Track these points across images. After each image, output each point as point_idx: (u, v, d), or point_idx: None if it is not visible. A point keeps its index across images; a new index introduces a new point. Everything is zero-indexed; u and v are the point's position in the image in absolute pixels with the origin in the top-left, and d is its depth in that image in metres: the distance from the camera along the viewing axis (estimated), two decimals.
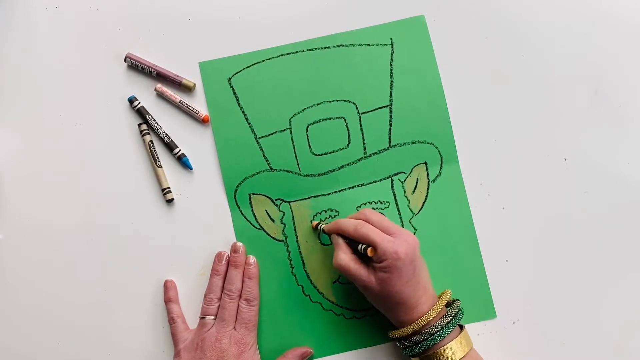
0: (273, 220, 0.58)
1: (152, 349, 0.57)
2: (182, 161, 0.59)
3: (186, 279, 0.58)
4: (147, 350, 0.57)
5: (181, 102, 0.59)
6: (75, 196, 0.59)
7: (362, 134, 0.59)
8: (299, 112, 0.59)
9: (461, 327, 0.52)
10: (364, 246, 0.50)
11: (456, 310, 0.50)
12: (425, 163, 0.59)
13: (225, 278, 0.56)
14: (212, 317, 0.55)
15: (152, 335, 0.57)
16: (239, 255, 0.57)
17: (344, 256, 0.51)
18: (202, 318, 0.55)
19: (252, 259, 0.57)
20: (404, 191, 0.59)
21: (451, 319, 0.49)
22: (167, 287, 0.57)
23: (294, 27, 0.60)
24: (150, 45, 0.60)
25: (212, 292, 0.55)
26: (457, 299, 0.52)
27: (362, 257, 0.51)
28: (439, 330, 0.48)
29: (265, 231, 0.58)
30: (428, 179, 0.59)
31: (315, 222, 0.58)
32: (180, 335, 0.55)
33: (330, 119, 0.59)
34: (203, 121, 0.59)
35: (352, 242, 0.52)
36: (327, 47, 0.60)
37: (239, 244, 0.57)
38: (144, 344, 0.57)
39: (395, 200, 0.58)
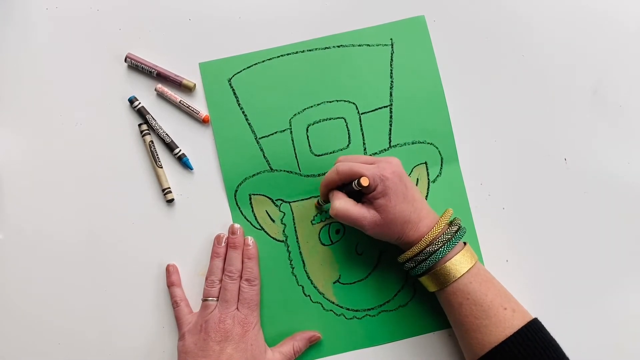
0: (273, 221, 0.58)
1: (156, 333, 0.57)
2: (183, 161, 0.59)
3: (186, 279, 0.58)
4: (151, 334, 0.57)
5: (181, 102, 0.59)
6: (75, 196, 0.59)
7: (363, 134, 0.59)
8: (299, 113, 0.59)
9: (465, 243, 0.52)
10: (356, 182, 0.50)
11: (457, 227, 0.51)
12: (426, 163, 0.59)
13: (225, 260, 0.56)
14: (215, 298, 0.55)
15: (155, 323, 0.57)
16: (237, 237, 0.57)
17: (341, 201, 0.51)
18: (204, 300, 0.55)
19: (250, 239, 0.57)
20: None
21: (454, 234, 0.50)
22: (170, 271, 0.57)
23: (294, 28, 0.60)
24: (151, 46, 0.60)
25: (213, 274, 0.56)
26: (458, 217, 0.53)
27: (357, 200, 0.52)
28: (442, 246, 0.49)
29: (265, 231, 0.58)
30: (428, 179, 0.59)
31: (316, 202, 0.58)
32: (184, 319, 0.55)
33: (330, 119, 0.59)
34: (203, 121, 0.59)
35: (346, 188, 0.52)
36: (327, 48, 0.60)
37: (237, 225, 0.57)
38: (147, 331, 0.57)
39: None
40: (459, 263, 0.50)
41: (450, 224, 0.52)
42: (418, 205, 0.51)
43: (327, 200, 0.55)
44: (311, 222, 0.58)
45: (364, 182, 0.49)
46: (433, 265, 0.50)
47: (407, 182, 0.51)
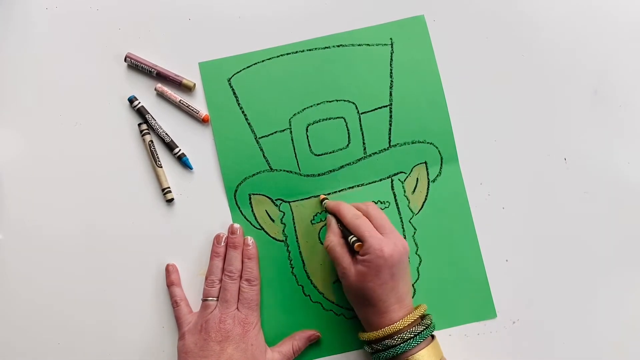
0: (273, 220, 0.58)
1: (156, 333, 0.57)
2: (182, 161, 0.59)
3: (185, 278, 0.58)
4: (151, 334, 0.57)
5: (181, 102, 0.59)
6: (75, 196, 0.59)
7: (362, 134, 0.59)
8: (298, 112, 0.59)
9: (432, 337, 0.51)
10: (354, 239, 0.50)
11: (429, 322, 0.50)
12: (425, 163, 0.59)
13: (225, 260, 0.56)
14: (215, 298, 0.55)
15: (155, 323, 0.57)
16: (237, 237, 0.57)
17: (334, 238, 0.52)
18: (204, 300, 0.55)
19: (250, 239, 0.57)
20: (404, 191, 0.59)
21: (425, 329, 0.49)
22: (169, 271, 0.57)
23: (294, 27, 0.60)
24: (150, 45, 0.60)
25: (212, 274, 0.56)
26: (430, 314, 0.52)
27: (350, 247, 0.51)
28: (412, 337, 0.48)
29: (265, 231, 0.58)
30: (428, 178, 0.59)
31: (322, 196, 0.58)
32: (184, 318, 0.55)
33: (330, 119, 0.59)
34: (203, 121, 0.59)
35: (345, 230, 0.53)
36: (327, 47, 0.60)
37: (236, 225, 0.57)
38: (147, 331, 0.57)
39: (395, 200, 0.58)
40: (424, 358, 0.48)
41: (423, 318, 0.51)
42: (392, 298, 0.49)
43: (326, 211, 0.56)
44: (311, 221, 0.58)
45: (357, 247, 0.50)
46: (396, 356, 0.49)
47: (398, 272, 0.50)
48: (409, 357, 0.49)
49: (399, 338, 0.48)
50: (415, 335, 0.49)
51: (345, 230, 0.52)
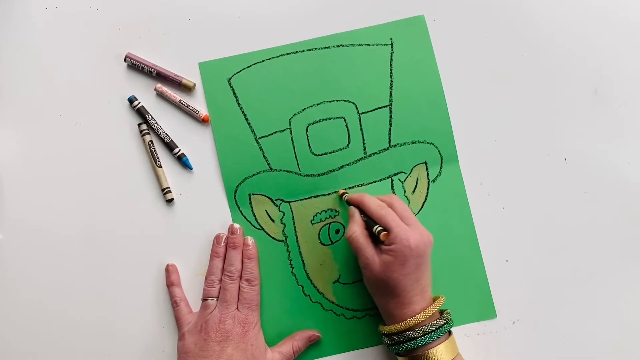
0: (273, 221, 0.58)
1: (156, 333, 0.57)
2: (182, 161, 0.59)
3: (185, 278, 0.58)
4: (151, 334, 0.57)
5: (181, 102, 0.59)
6: (75, 196, 0.59)
7: (362, 134, 0.59)
8: (298, 112, 0.59)
9: (449, 332, 0.51)
10: (379, 229, 0.50)
11: (449, 316, 0.51)
12: (425, 163, 0.59)
13: (224, 260, 0.56)
14: (214, 298, 0.55)
15: (155, 323, 0.57)
16: (237, 237, 0.57)
17: (357, 229, 0.52)
18: (204, 300, 0.55)
19: (250, 239, 0.57)
20: (404, 191, 0.59)
21: (445, 322, 0.50)
22: (169, 271, 0.57)
23: (294, 27, 0.60)
24: (150, 45, 0.60)
25: (212, 274, 0.56)
26: (448, 309, 0.52)
27: (374, 238, 0.51)
28: (433, 331, 0.49)
29: (265, 231, 0.58)
30: (428, 179, 0.59)
31: (341, 191, 0.58)
32: (184, 319, 0.55)
33: (330, 119, 0.59)
34: (203, 121, 0.59)
35: (369, 221, 0.52)
36: (327, 47, 0.60)
37: (236, 225, 0.57)
38: (147, 331, 0.57)
39: None
40: (441, 352, 0.49)
41: (442, 312, 0.51)
42: (416, 289, 0.50)
43: (349, 204, 0.55)
44: (311, 222, 0.58)
45: (383, 237, 0.49)
46: (415, 348, 0.49)
47: (422, 263, 0.50)
48: (426, 351, 0.49)
49: (420, 330, 0.49)
50: (437, 329, 0.49)
51: (370, 221, 0.52)
